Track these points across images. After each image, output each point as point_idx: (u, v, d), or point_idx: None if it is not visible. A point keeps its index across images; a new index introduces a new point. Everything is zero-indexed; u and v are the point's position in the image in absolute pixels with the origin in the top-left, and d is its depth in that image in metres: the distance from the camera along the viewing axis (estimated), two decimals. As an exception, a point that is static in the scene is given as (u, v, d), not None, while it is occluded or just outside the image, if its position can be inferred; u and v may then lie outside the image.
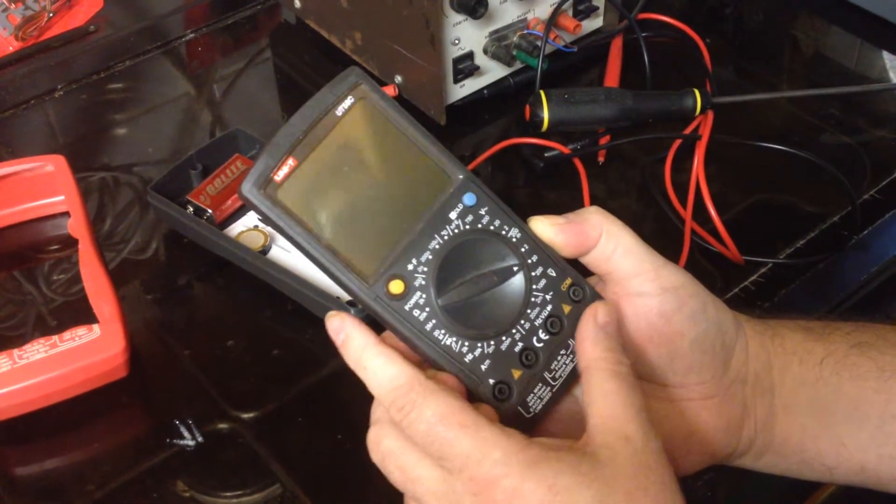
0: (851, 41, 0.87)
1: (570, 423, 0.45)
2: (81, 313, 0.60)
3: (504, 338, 0.42)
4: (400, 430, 0.40)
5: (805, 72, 0.85)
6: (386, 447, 0.41)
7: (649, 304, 0.44)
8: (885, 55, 0.85)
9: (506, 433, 0.39)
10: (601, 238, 0.44)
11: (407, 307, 0.41)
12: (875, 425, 0.46)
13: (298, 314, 0.61)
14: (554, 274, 0.43)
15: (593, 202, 0.69)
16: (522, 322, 0.43)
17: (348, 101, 0.42)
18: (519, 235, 0.43)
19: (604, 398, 0.40)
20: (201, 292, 0.65)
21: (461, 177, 0.43)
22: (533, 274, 0.43)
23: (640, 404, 0.41)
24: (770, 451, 0.48)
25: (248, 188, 0.40)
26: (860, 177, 0.71)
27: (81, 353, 0.55)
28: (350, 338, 0.42)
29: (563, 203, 0.46)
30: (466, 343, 0.42)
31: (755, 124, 0.76)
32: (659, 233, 0.67)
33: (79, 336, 0.56)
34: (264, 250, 0.64)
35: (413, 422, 0.40)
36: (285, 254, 0.64)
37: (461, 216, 0.42)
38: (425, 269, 0.41)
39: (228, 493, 0.54)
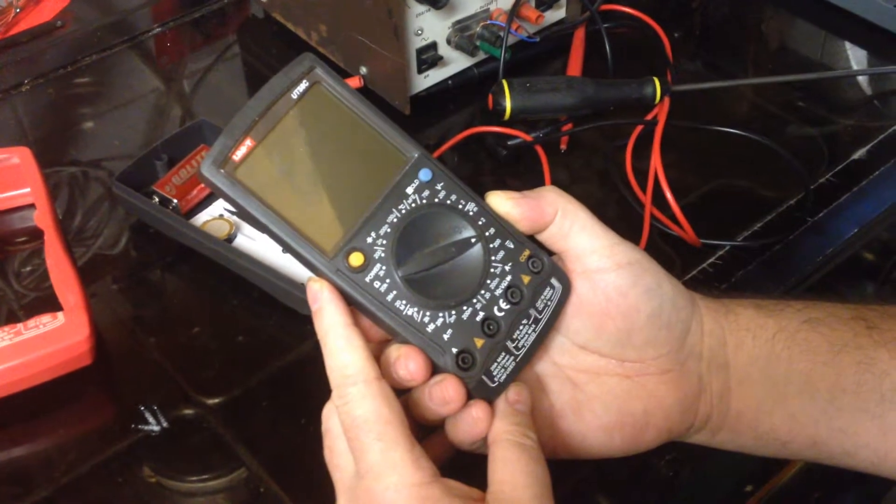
0: (815, 33, 0.89)
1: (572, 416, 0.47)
2: (49, 304, 0.60)
3: (465, 307, 0.43)
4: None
5: (769, 62, 0.86)
6: (329, 425, 0.43)
7: (606, 280, 0.45)
8: (848, 45, 0.86)
9: (416, 463, 0.40)
10: (557, 215, 0.45)
11: (367, 279, 0.42)
12: (826, 399, 0.47)
13: (263, 301, 0.62)
14: (512, 246, 0.45)
15: (555, 189, 0.70)
16: (483, 292, 0.44)
17: (303, 85, 0.43)
18: (475, 209, 0.44)
19: (504, 465, 0.41)
20: (167, 281, 0.65)
21: (416, 154, 0.44)
22: (491, 246, 0.44)
23: (540, 475, 0.41)
24: (725, 426, 0.49)
25: (206, 167, 0.41)
26: (817, 161, 0.72)
27: (46, 341, 0.55)
28: (322, 310, 0.42)
29: (526, 189, 0.47)
30: (428, 313, 0.43)
31: (717, 113, 0.78)
32: (620, 217, 0.68)
33: (43, 324, 0.56)
34: (230, 239, 0.64)
35: (343, 413, 0.41)
36: (250, 242, 0.64)
37: (418, 191, 0.43)
38: (384, 241, 0.42)
39: (194, 478, 0.54)
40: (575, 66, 0.79)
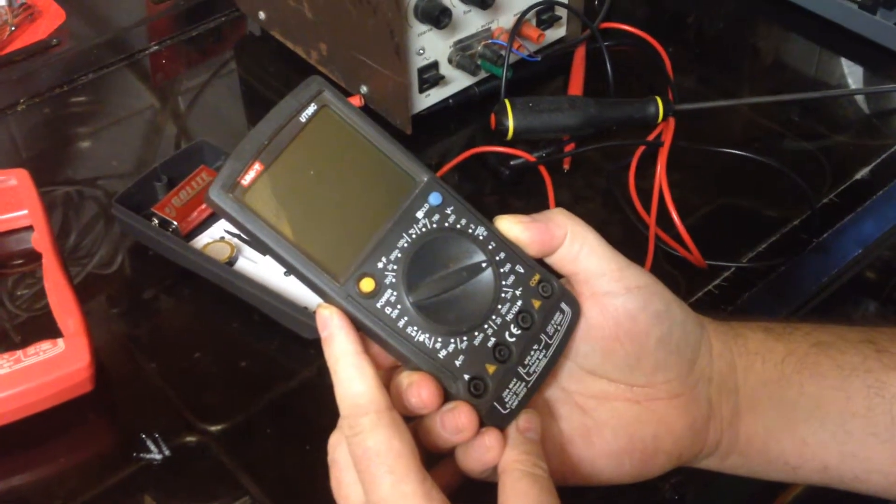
0: (810, 48, 0.89)
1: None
2: (46, 328, 0.59)
3: (476, 333, 0.43)
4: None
5: (766, 79, 0.86)
6: (336, 456, 0.43)
7: (615, 304, 0.45)
8: (844, 61, 0.86)
9: (427, 496, 0.39)
10: (566, 238, 0.45)
11: (379, 305, 0.42)
12: (836, 423, 0.47)
13: (265, 325, 0.61)
14: (522, 270, 0.44)
15: (559, 209, 0.69)
16: (494, 317, 0.43)
17: (311, 109, 0.42)
18: (485, 234, 0.44)
19: (515, 496, 0.41)
20: (167, 305, 0.65)
21: (426, 178, 0.43)
22: (501, 270, 0.44)
23: None
24: (735, 451, 0.49)
25: (215, 193, 0.40)
26: (820, 181, 0.72)
27: (46, 368, 0.54)
28: (333, 338, 0.42)
29: (530, 210, 0.46)
30: (439, 339, 0.42)
31: (717, 131, 0.77)
32: (624, 238, 0.67)
33: (43, 351, 0.55)
34: (231, 261, 0.63)
35: (354, 444, 0.40)
36: (252, 265, 0.63)
37: (428, 215, 0.43)
38: (395, 266, 0.42)
39: (197, 507, 0.54)
40: (576, 85, 0.79)
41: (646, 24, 0.85)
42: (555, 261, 0.46)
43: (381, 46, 0.70)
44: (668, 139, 0.72)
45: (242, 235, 0.42)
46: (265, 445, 0.56)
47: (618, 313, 0.45)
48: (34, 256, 0.65)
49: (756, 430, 0.48)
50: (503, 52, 0.74)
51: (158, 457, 0.55)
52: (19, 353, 0.55)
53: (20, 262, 0.67)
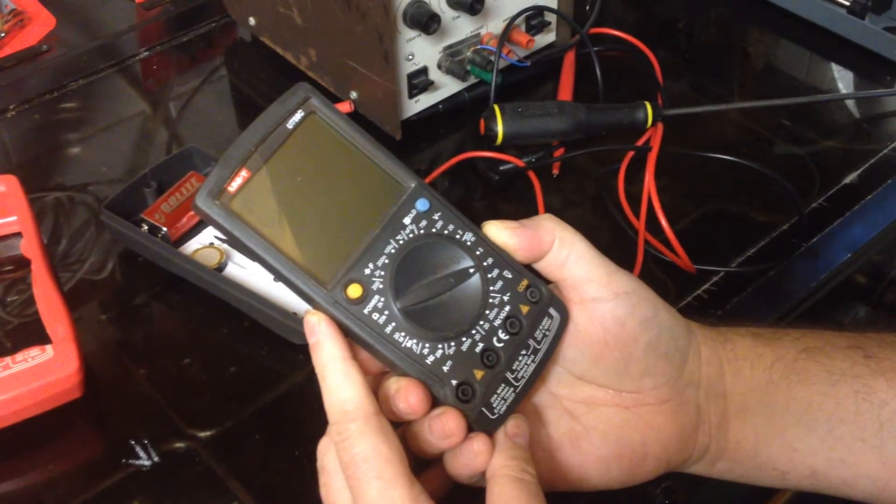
0: (800, 53, 0.89)
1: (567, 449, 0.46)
2: (36, 334, 0.59)
3: (464, 339, 0.43)
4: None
5: (756, 84, 0.87)
6: (325, 462, 0.43)
7: (603, 309, 0.45)
8: (833, 66, 0.86)
9: (415, 501, 0.39)
10: (554, 244, 0.45)
11: (366, 311, 0.42)
12: (825, 429, 0.47)
13: (255, 331, 0.61)
14: (510, 276, 0.44)
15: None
16: (482, 323, 0.43)
17: (298, 115, 0.43)
18: (473, 239, 0.44)
19: (502, 502, 0.41)
20: (157, 311, 0.65)
21: (413, 184, 0.44)
22: (489, 276, 0.44)
23: None
24: (724, 456, 0.49)
25: (202, 199, 0.40)
26: (809, 185, 0.72)
27: (35, 375, 0.54)
28: (320, 344, 0.42)
29: (519, 215, 0.46)
30: (427, 345, 0.42)
31: (707, 136, 0.78)
32: (613, 243, 0.67)
33: (32, 357, 0.55)
34: (220, 267, 0.63)
35: (342, 450, 0.41)
36: (241, 270, 0.63)
37: (415, 221, 0.43)
38: (382, 272, 0.42)
39: (186, 513, 0.54)
40: (566, 90, 0.79)
41: (635, 29, 0.85)
42: (543, 266, 0.46)
43: (370, 52, 0.71)
44: (656, 144, 0.72)
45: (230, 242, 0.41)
46: (254, 451, 0.56)
47: (606, 319, 0.45)
48: (23, 263, 0.65)
49: (745, 435, 0.48)
50: (492, 58, 0.74)
51: (147, 463, 0.55)
52: (8, 359, 0.55)
53: (9, 268, 0.67)
